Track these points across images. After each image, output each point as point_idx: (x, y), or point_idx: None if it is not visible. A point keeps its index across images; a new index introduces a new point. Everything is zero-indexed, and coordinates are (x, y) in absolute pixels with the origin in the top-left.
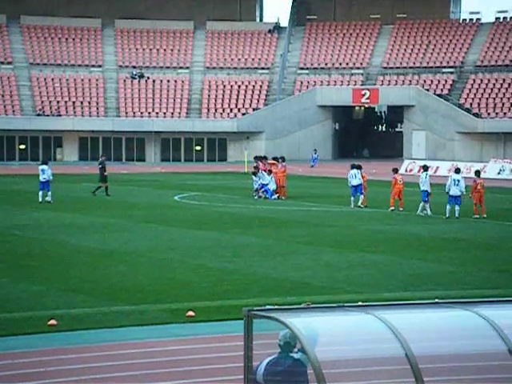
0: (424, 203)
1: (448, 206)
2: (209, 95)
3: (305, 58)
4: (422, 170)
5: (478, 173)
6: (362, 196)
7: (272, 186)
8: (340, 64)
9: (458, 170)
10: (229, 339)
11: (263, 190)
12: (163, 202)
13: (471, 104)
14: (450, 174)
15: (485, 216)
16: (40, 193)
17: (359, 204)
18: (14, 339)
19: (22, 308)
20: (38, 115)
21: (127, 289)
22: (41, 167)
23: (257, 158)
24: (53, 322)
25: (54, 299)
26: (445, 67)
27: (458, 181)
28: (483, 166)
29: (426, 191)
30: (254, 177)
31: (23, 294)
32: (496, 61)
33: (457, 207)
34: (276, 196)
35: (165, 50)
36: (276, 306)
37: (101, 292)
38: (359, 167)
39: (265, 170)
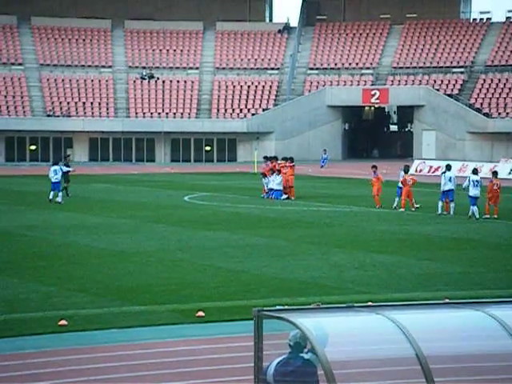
0: (451, 202)
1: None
2: (218, 95)
3: (314, 58)
4: (445, 170)
5: (495, 174)
6: (397, 199)
7: (277, 187)
8: (350, 64)
9: (475, 171)
10: (239, 339)
11: (271, 192)
12: (173, 203)
13: (481, 104)
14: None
15: (495, 216)
16: (51, 193)
17: (395, 205)
18: (24, 339)
19: (32, 308)
20: (49, 116)
21: (137, 289)
22: (53, 168)
23: (266, 158)
24: (63, 322)
25: (64, 300)
26: (455, 67)
27: (477, 181)
28: (493, 166)
29: (453, 190)
30: (262, 177)
31: (33, 295)
32: (506, 60)
33: (475, 207)
34: (285, 196)
35: (174, 50)
36: (286, 307)
37: (110, 292)
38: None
39: (272, 171)
